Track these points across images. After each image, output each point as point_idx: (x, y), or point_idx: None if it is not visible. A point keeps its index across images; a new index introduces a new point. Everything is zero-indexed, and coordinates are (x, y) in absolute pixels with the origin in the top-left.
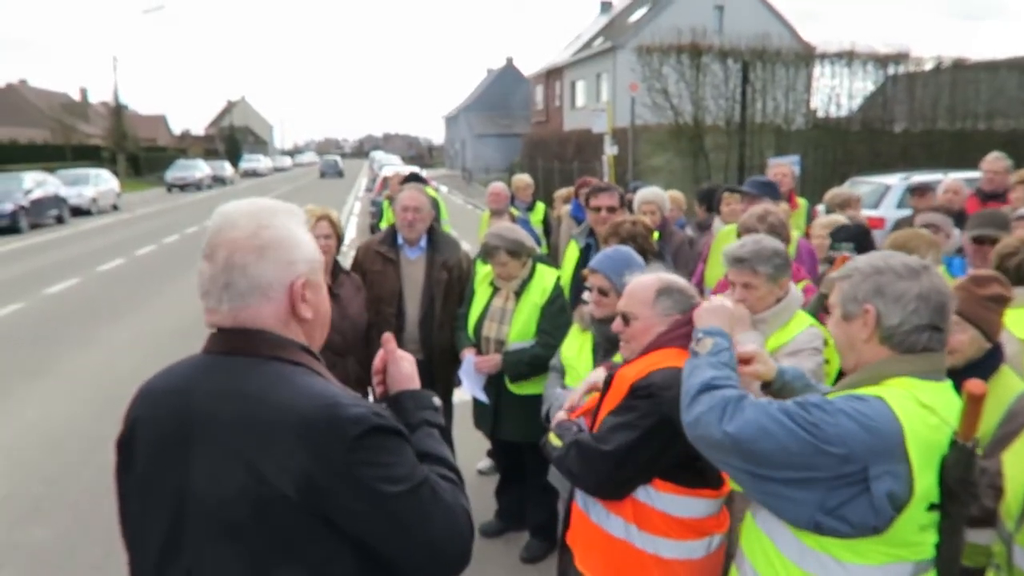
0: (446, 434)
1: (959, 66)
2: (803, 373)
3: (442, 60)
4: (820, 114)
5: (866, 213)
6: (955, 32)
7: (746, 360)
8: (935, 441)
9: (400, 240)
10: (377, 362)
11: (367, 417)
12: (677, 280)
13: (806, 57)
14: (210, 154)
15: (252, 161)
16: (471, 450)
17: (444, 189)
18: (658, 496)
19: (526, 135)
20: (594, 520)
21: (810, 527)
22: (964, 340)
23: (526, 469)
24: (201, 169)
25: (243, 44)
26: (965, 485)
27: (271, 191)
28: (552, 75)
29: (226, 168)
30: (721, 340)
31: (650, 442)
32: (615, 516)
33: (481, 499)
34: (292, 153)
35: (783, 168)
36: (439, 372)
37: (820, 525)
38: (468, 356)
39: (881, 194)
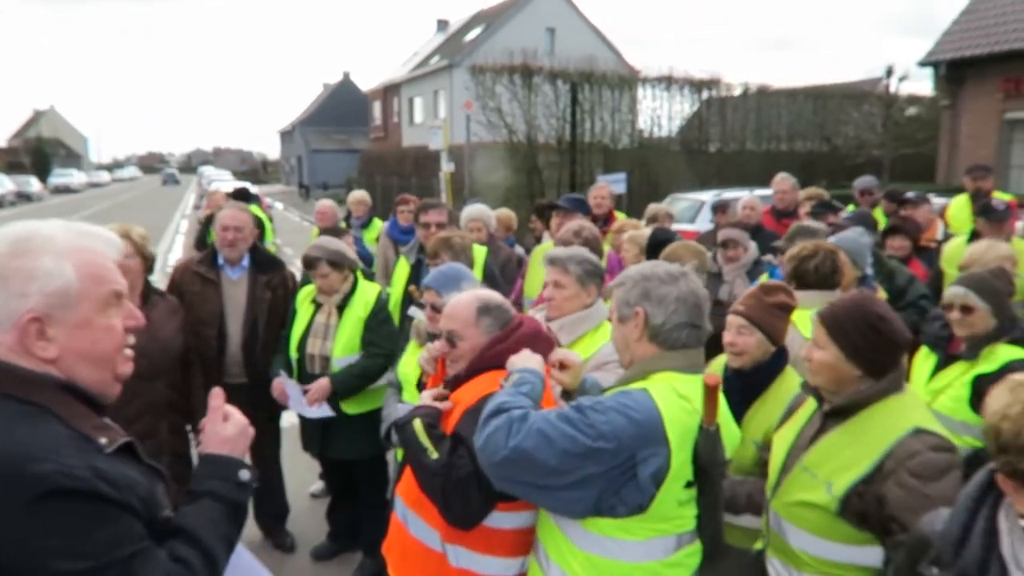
0: (239, 511)
1: (763, 92)
2: (598, 384)
3: (277, 73)
4: (645, 134)
5: (684, 227)
6: (761, 61)
7: (560, 366)
8: (689, 425)
9: (221, 260)
10: (204, 420)
11: (53, 476)
12: (493, 296)
13: (630, 80)
14: (14, 168)
15: (63, 176)
16: (304, 473)
17: (280, 206)
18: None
19: (363, 151)
20: (412, 532)
21: (589, 515)
22: (752, 343)
23: (358, 487)
24: (2, 184)
25: (52, 49)
26: (713, 464)
27: (85, 209)
28: (390, 91)
29: (32, 184)
30: (528, 375)
31: None
32: (433, 529)
33: (314, 522)
34: (111, 168)
35: (602, 191)
36: (263, 396)
37: (600, 511)
38: (292, 386)
39: (696, 210)
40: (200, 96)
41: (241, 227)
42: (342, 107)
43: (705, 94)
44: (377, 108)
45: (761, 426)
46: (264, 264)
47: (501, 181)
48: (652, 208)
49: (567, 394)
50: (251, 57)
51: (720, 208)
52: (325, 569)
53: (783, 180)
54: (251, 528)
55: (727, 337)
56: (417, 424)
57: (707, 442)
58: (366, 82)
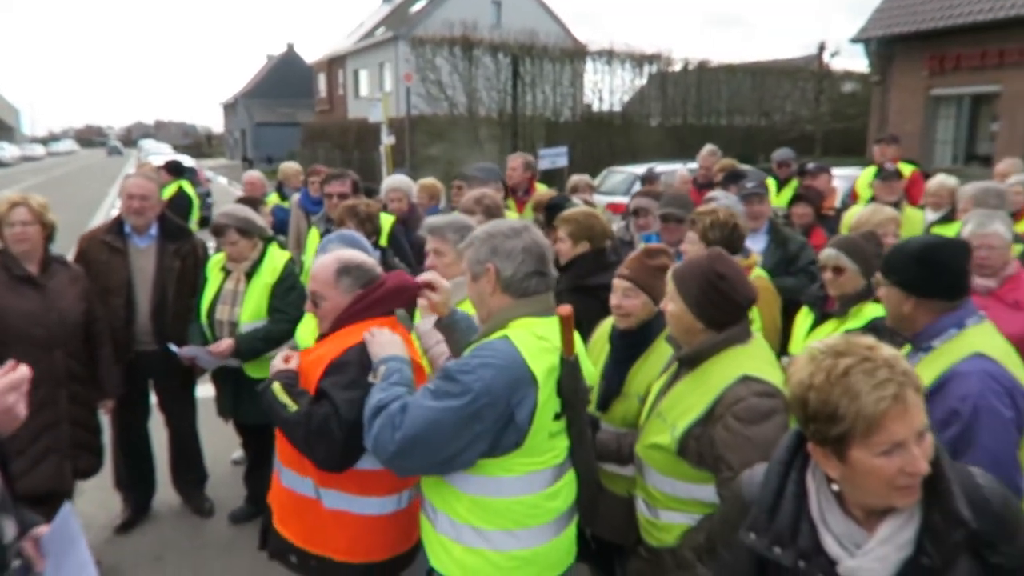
0: None
1: (704, 68)
2: (470, 318)
3: (220, 44)
4: (590, 108)
5: (619, 199)
6: (712, 37)
7: (429, 287)
8: (551, 361)
9: (128, 229)
10: None
11: None
12: (355, 256)
13: (571, 54)
14: None
15: None
16: (226, 441)
17: (223, 180)
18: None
19: (306, 124)
20: (284, 484)
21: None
22: (638, 305)
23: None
24: None
25: None
26: (575, 392)
27: (16, 184)
28: (335, 63)
29: None
30: (394, 363)
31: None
32: (305, 478)
33: (234, 488)
34: (46, 141)
35: (515, 162)
36: (176, 364)
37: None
38: (192, 349)
39: (631, 182)
40: (141, 67)
41: (147, 195)
42: (286, 79)
43: (647, 69)
44: (322, 80)
45: (644, 381)
46: (173, 232)
47: (442, 154)
48: (573, 179)
49: (438, 321)
50: (193, 27)
51: (648, 179)
52: (242, 532)
53: (709, 154)
54: (170, 494)
55: (614, 300)
56: (276, 386)
57: (568, 372)
58: (311, 54)
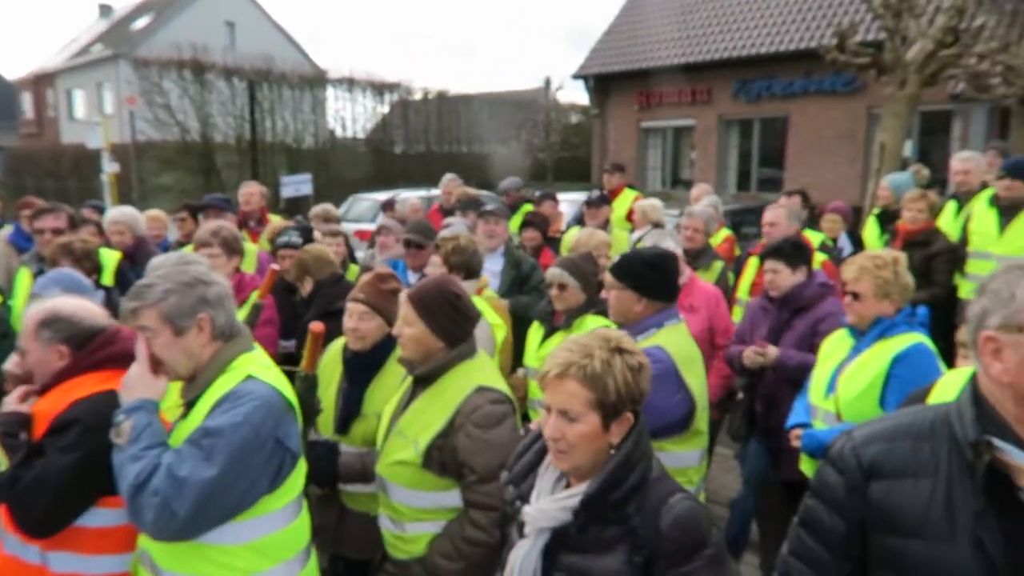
0: None
1: (443, 97)
2: None
3: None
4: (334, 135)
5: (364, 227)
6: (449, 66)
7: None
8: (286, 385)
9: None
10: None
11: None
12: (63, 307)
13: (311, 80)
14: None
15: None
16: None
17: None
18: (91, 512)
19: (9, 149)
20: (7, 551)
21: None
22: (373, 327)
23: None
24: None
25: None
26: (310, 407)
27: None
28: (43, 81)
29: None
30: (140, 417)
31: (92, 464)
32: (29, 544)
33: None
34: None
35: (250, 189)
36: None
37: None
38: None
39: (377, 210)
40: None
41: None
42: None
43: (388, 97)
44: (28, 100)
45: (381, 400)
46: None
47: (174, 183)
48: (315, 208)
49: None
50: None
51: (387, 206)
52: None
53: (449, 181)
54: None
55: (350, 323)
56: None
57: (304, 386)
58: (12, 69)
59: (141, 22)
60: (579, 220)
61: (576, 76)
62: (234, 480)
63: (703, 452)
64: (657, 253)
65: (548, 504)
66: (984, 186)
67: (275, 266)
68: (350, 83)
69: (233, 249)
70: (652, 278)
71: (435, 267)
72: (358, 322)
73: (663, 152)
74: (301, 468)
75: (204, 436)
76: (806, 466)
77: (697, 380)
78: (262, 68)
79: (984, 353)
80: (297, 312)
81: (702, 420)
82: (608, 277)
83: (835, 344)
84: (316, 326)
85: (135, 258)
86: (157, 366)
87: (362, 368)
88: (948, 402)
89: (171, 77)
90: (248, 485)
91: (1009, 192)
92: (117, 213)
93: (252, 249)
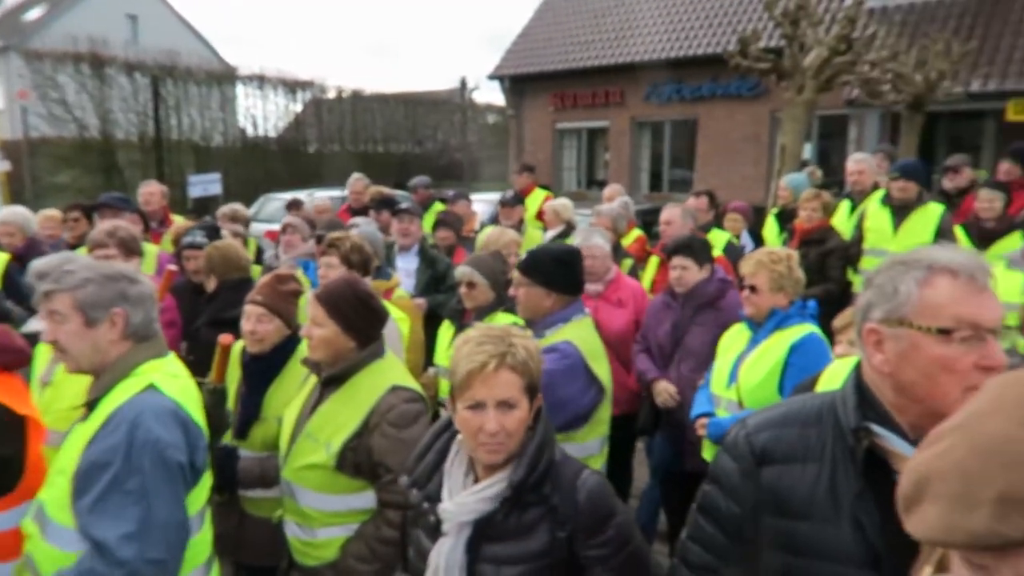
0: None
1: (358, 96)
2: None
3: None
4: (245, 134)
5: (275, 227)
6: (365, 65)
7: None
8: (191, 395)
9: None
10: None
11: None
12: None
13: (219, 77)
14: None
15: None
16: None
17: None
18: None
19: None
20: None
21: None
22: (271, 329)
23: None
24: None
25: None
26: (219, 419)
27: None
28: None
29: None
30: None
31: None
32: None
33: None
34: None
35: (151, 188)
36: None
37: None
38: None
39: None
40: None
41: None
42: None
43: (301, 96)
44: None
45: (281, 403)
46: None
47: (71, 181)
48: (223, 208)
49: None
50: None
51: (292, 205)
52: None
53: (357, 180)
54: None
55: (248, 326)
56: None
57: (213, 400)
58: None
59: (34, 13)
60: (495, 220)
61: (492, 77)
62: (167, 504)
63: (604, 439)
64: (564, 249)
65: (466, 498)
66: (876, 186)
67: (172, 267)
68: (261, 80)
69: (131, 250)
70: (560, 274)
71: (332, 268)
72: (256, 324)
73: (578, 153)
74: (205, 482)
75: (116, 475)
76: (708, 454)
77: (604, 371)
78: (166, 63)
79: (867, 344)
80: (199, 313)
81: (604, 409)
82: (516, 274)
83: (734, 336)
84: (225, 339)
85: (26, 260)
86: (59, 354)
87: (261, 371)
88: (836, 390)
89: (67, 71)
90: (179, 502)
91: (903, 193)
92: (7, 213)
93: (152, 250)
